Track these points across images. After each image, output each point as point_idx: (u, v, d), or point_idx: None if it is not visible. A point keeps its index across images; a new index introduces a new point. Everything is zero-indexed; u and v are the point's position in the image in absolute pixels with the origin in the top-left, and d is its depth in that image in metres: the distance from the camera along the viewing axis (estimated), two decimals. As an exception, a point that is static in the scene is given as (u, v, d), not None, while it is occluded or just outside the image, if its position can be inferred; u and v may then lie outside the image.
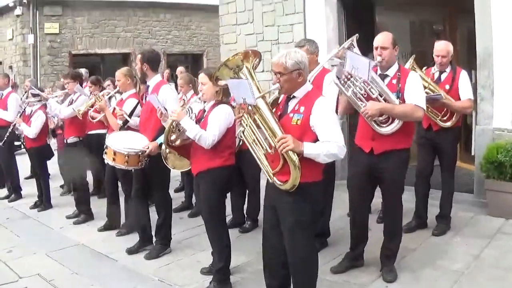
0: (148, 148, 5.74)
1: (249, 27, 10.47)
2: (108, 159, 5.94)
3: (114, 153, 5.83)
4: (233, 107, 5.03)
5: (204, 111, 5.10)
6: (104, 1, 18.67)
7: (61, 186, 9.86)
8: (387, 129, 4.82)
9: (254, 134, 4.00)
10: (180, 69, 15.60)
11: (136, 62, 6.06)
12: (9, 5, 17.93)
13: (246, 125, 4.04)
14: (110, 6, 19.02)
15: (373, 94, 4.77)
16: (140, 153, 5.79)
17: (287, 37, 9.61)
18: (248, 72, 4.10)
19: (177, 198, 8.25)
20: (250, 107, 3.95)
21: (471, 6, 7.28)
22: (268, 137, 3.89)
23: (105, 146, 6.00)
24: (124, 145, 5.84)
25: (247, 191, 7.13)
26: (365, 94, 4.79)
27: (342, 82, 4.86)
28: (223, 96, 5.04)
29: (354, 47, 5.03)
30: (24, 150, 10.00)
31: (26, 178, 10.55)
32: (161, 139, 5.49)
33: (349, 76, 4.80)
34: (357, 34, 5.17)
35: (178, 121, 4.91)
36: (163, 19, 20.52)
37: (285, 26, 9.73)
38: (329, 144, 3.79)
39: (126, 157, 5.79)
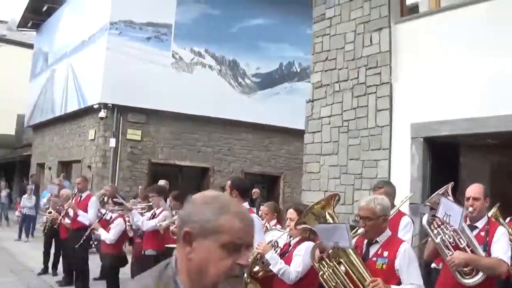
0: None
1: (334, 158, 10.34)
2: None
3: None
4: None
5: (290, 245, 5.14)
6: (187, 114, 19.05)
7: (128, 295, 9.81)
8: (470, 281, 4.73)
9: (338, 278, 4.07)
10: (256, 191, 15.85)
11: (226, 188, 6.22)
12: (94, 107, 18.43)
13: (329, 268, 4.11)
14: (193, 120, 19.46)
15: (461, 244, 4.75)
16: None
17: (371, 172, 9.43)
18: (330, 217, 4.24)
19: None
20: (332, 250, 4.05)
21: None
22: (356, 281, 3.95)
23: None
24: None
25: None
26: (453, 243, 4.79)
27: (433, 228, 4.91)
28: (310, 233, 5.05)
29: (449, 194, 5.08)
30: (95, 249, 10.07)
31: (96, 279, 10.47)
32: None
33: (439, 223, 4.83)
34: (452, 182, 5.25)
35: (263, 254, 4.97)
36: (244, 138, 20.66)
37: (369, 161, 9.55)
38: (412, 286, 3.92)
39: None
